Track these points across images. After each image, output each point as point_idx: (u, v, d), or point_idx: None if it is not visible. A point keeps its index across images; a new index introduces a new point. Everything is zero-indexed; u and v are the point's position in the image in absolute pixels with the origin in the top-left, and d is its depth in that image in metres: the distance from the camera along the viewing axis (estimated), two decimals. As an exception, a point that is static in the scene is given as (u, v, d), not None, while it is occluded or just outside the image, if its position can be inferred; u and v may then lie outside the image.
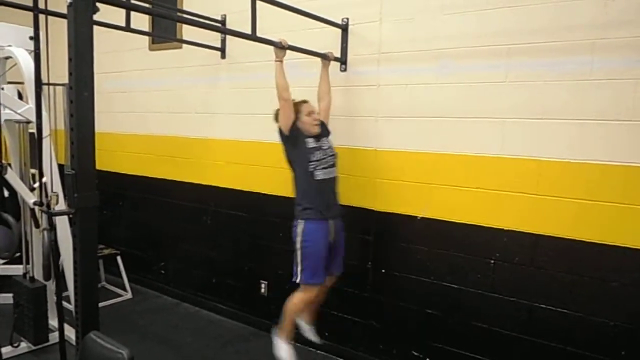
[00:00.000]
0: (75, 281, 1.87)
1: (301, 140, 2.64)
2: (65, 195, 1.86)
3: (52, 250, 2.24)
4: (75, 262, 1.85)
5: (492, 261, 2.59)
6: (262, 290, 3.55)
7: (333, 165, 2.71)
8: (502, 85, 2.49)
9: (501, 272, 2.57)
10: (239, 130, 3.57)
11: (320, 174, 2.62)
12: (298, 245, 2.63)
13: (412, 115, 2.79)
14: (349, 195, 2.95)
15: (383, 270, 2.98)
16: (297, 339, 3.38)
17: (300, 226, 2.62)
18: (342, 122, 3.03)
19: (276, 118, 2.69)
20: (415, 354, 2.89)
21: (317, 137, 2.69)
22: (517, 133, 2.47)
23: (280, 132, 2.65)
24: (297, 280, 2.65)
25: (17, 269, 3.34)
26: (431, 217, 2.76)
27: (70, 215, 1.85)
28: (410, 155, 2.80)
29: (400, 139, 2.84)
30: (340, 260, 2.81)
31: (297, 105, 2.67)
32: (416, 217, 2.81)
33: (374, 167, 2.94)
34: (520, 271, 2.52)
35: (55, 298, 3.31)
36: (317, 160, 2.62)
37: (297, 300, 2.69)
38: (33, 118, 2.73)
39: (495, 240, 2.57)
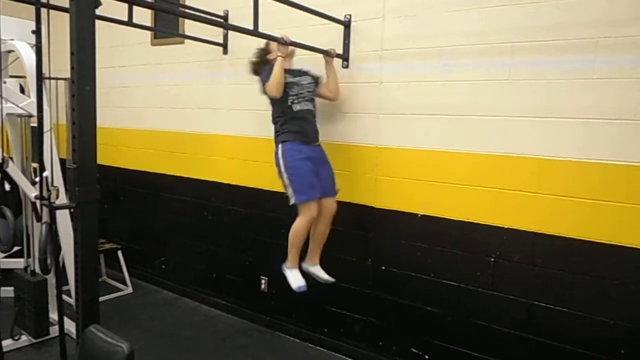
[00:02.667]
0: (76, 275, 1.88)
1: None
2: (66, 189, 1.86)
3: (53, 244, 2.24)
4: (76, 255, 1.85)
5: (492, 259, 2.59)
6: (262, 286, 3.56)
7: (311, 100, 2.78)
8: (505, 83, 2.48)
9: (501, 270, 2.57)
10: (240, 126, 3.57)
11: (297, 107, 2.70)
12: (282, 168, 2.67)
13: (414, 113, 2.78)
14: (349, 192, 2.95)
15: (383, 267, 2.98)
16: (301, 336, 3.40)
17: (279, 149, 2.68)
18: (344, 118, 3.03)
19: (255, 72, 2.82)
20: (415, 351, 2.90)
21: (294, 73, 2.74)
22: (519, 131, 2.46)
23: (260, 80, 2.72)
24: (292, 202, 2.65)
25: (18, 263, 3.35)
26: (432, 214, 2.76)
27: (71, 209, 1.85)
28: (411, 152, 2.80)
29: (401, 136, 2.83)
30: (331, 181, 2.81)
31: (266, 45, 2.78)
32: (417, 214, 2.81)
33: (375, 164, 2.93)
34: (520, 269, 2.52)
35: (55, 291, 3.34)
36: (295, 95, 2.69)
37: (298, 223, 2.68)
38: (35, 112, 2.73)
39: (495, 238, 2.56)
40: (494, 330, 2.61)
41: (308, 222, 2.68)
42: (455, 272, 2.72)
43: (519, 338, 2.54)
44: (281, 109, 2.71)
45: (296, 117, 2.70)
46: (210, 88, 3.76)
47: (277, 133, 2.73)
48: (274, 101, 2.73)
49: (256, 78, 2.80)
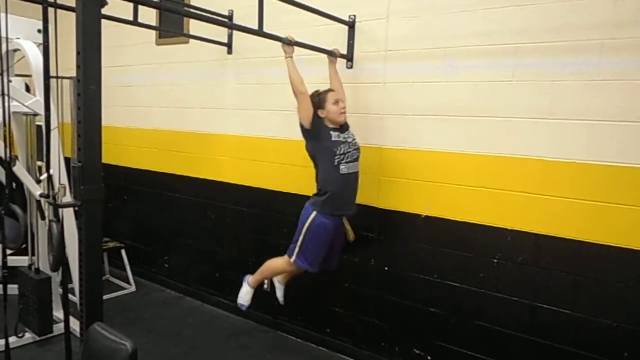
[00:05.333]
0: (80, 273, 1.88)
1: (325, 133, 2.57)
2: (71, 188, 1.87)
3: (55, 242, 2.25)
4: (80, 254, 1.86)
5: (496, 260, 2.59)
6: (265, 285, 3.55)
7: (357, 159, 2.65)
8: (509, 84, 2.48)
9: (504, 271, 2.57)
10: (244, 126, 3.58)
11: (344, 168, 2.57)
12: (303, 231, 2.60)
13: (417, 114, 2.78)
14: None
15: (386, 268, 2.98)
16: (303, 336, 3.40)
17: (312, 215, 2.58)
18: (348, 119, 3.02)
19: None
20: (417, 352, 2.89)
21: (341, 130, 2.64)
22: (524, 132, 2.46)
23: (302, 126, 2.59)
24: (290, 257, 2.64)
25: (22, 260, 3.37)
26: (435, 215, 2.76)
27: (76, 208, 1.86)
28: (415, 153, 2.80)
29: (405, 137, 2.83)
30: (336, 257, 2.79)
31: (323, 95, 2.62)
32: (420, 215, 2.81)
33: (378, 164, 2.93)
34: (523, 271, 2.51)
35: (60, 289, 3.35)
36: (342, 154, 2.55)
37: (279, 267, 2.70)
38: (40, 111, 2.74)
39: (498, 239, 2.56)
40: (496, 331, 2.61)
41: (289, 272, 2.72)
42: (458, 273, 2.71)
43: (521, 340, 2.53)
44: (326, 169, 2.54)
45: (342, 183, 2.56)
46: (214, 88, 3.76)
47: (318, 195, 2.60)
48: (318, 160, 2.59)
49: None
